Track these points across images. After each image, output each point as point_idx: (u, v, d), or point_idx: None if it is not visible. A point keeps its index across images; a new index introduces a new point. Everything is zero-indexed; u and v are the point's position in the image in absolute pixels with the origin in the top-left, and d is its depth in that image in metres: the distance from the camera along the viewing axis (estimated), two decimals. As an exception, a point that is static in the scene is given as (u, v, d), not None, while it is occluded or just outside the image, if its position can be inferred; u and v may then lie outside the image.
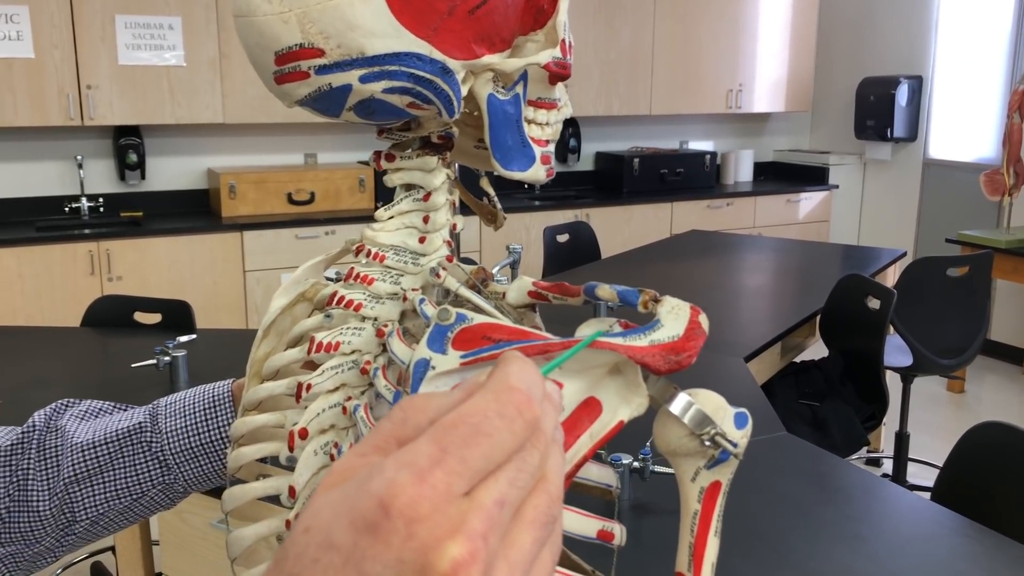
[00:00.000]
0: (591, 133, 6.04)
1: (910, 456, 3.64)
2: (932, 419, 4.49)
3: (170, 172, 4.86)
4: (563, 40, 0.58)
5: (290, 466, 0.60)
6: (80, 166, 4.58)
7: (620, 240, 5.43)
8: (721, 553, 0.58)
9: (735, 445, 0.52)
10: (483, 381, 0.32)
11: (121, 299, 2.87)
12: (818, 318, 3.07)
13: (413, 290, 0.59)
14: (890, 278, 3.85)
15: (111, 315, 2.84)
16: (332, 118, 0.56)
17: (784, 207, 6.13)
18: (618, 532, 0.53)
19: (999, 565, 1.41)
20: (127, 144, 4.59)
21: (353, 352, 0.59)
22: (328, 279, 0.70)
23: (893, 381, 3.13)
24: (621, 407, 0.50)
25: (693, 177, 5.96)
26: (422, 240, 0.61)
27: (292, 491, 0.58)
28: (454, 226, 0.62)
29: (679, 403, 0.52)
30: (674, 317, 0.51)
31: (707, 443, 0.52)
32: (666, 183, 5.86)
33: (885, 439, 4.08)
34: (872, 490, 1.71)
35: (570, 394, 0.50)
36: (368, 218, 4.74)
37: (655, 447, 0.55)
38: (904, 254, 4.02)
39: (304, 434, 0.57)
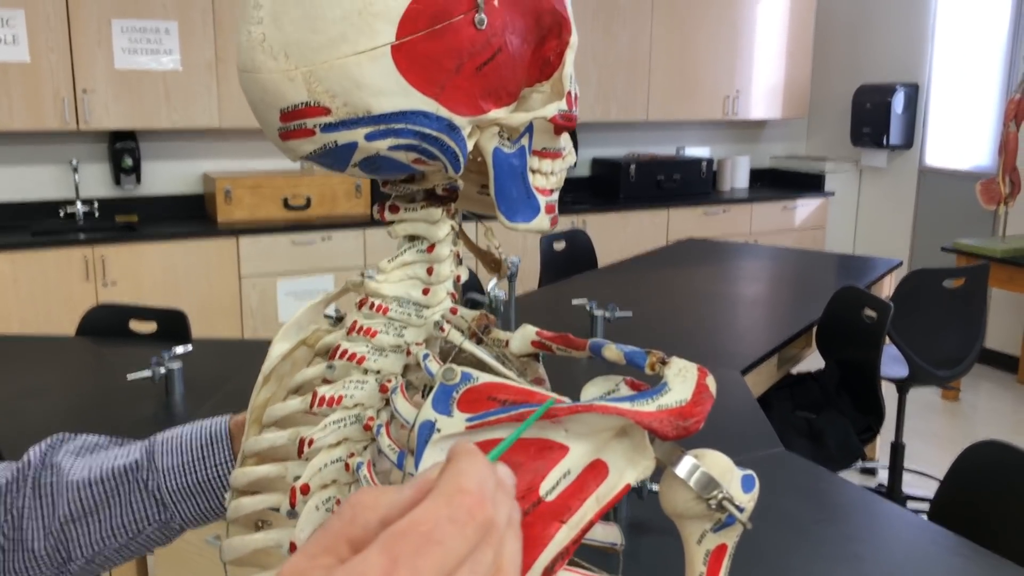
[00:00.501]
0: (588, 139, 6.03)
1: (904, 465, 3.64)
2: (927, 427, 4.50)
3: (165, 176, 4.84)
4: (569, 92, 0.58)
5: (291, 519, 0.59)
6: (75, 170, 4.56)
7: (616, 247, 5.43)
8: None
9: (741, 510, 0.51)
10: (434, 479, 0.32)
11: (116, 308, 2.86)
12: (814, 329, 3.07)
13: (417, 344, 0.59)
14: (886, 288, 3.85)
15: (106, 324, 2.82)
16: (337, 172, 0.56)
17: (780, 214, 6.14)
18: (623, 592, 0.53)
19: (997, 589, 1.41)
20: (122, 148, 4.57)
21: (356, 406, 0.58)
22: (327, 316, 0.69)
23: (888, 391, 3.13)
24: (628, 470, 0.50)
25: (690, 183, 5.96)
26: (426, 292, 0.60)
27: (293, 547, 0.58)
28: (458, 278, 0.62)
29: (685, 466, 0.52)
30: (681, 380, 0.51)
31: (713, 506, 0.51)
32: (663, 189, 5.86)
33: (880, 449, 4.08)
34: (870, 508, 1.70)
35: (577, 457, 0.50)
36: (364, 224, 4.73)
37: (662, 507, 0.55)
38: (900, 264, 4.02)
39: (306, 490, 0.57)
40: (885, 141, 5.91)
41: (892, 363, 3.42)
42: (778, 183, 6.66)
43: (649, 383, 0.54)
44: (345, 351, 0.59)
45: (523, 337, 0.60)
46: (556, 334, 0.59)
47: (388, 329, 0.59)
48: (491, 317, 0.63)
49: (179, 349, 2.29)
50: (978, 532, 1.64)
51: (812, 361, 3.25)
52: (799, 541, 1.54)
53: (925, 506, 3.54)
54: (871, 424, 2.97)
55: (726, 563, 0.53)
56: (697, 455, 0.52)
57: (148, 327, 2.80)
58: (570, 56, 0.57)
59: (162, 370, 2.18)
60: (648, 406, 0.49)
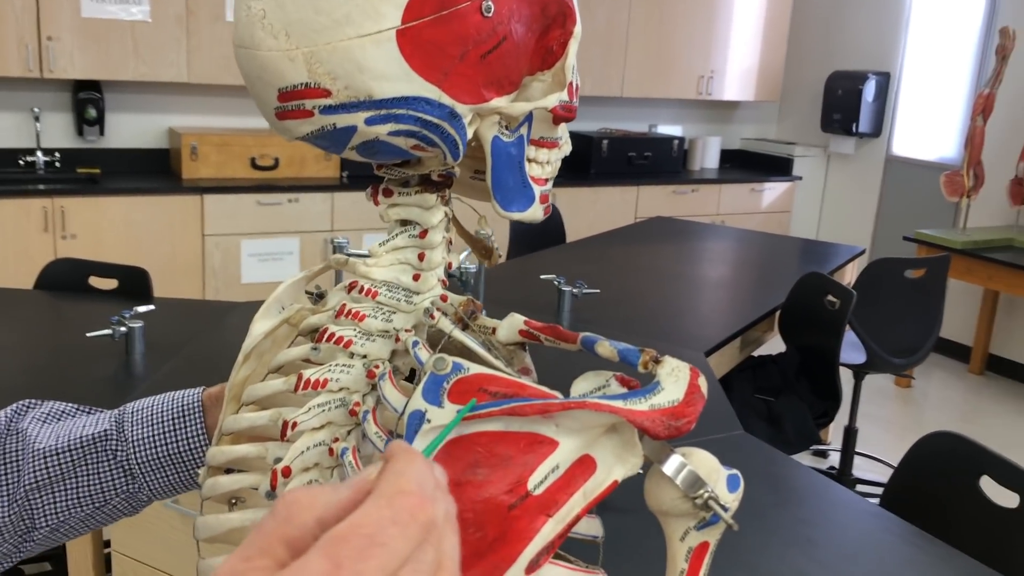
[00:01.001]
0: (560, 111, 6.00)
1: (856, 449, 3.72)
2: (879, 413, 4.59)
3: (130, 129, 4.74)
4: (571, 83, 0.57)
5: (269, 500, 0.59)
6: (37, 119, 4.44)
7: (586, 222, 5.43)
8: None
9: (726, 509, 0.52)
10: (372, 480, 0.32)
11: (76, 263, 2.81)
12: (777, 314, 3.11)
13: (406, 331, 0.58)
14: (848, 275, 3.90)
15: (65, 278, 2.77)
16: (334, 154, 0.55)
17: (748, 196, 6.18)
18: (603, 583, 0.53)
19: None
20: (86, 98, 4.46)
21: (341, 390, 0.57)
22: (308, 293, 0.68)
23: (844, 376, 3.19)
24: (616, 466, 0.50)
25: (661, 161, 5.97)
26: (416, 278, 0.59)
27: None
28: (449, 264, 0.61)
29: (672, 464, 0.52)
30: (674, 380, 0.51)
31: (699, 505, 0.52)
32: (634, 166, 5.86)
33: (833, 432, 4.16)
34: (825, 493, 1.73)
35: (566, 452, 0.50)
36: (332, 188, 4.68)
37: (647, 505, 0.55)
38: (863, 252, 4.08)
39: (287, 472, 0.56)
40: (854, 128, 5.96)
41: (849, 349, 3.47)
42: (747, 165, 6.71)
43: (639, 379, 0.54)
44: (332, 334, 0.58)
45: (511, 326, 0.60)
46: (545, 324, 0.59)
47: (377, 314, 0.58)
48: (478, 303, 0.63)
49: (141, 308, 2.25)
50: (929, 522, 1.68)
51: (774, 345, 3.29)
52: (754, 523, 1.56)
53: (874, 490, 3.63)
54: (827, 410, 3.02)
55: (707, 560, 0.54)
56: (684, 453, 0.53)
57: (108, 284, 2.75)
58: (574, 46, 0.56)
59: (123, 329, 2.15)
60: (641, 405, 0.49)
